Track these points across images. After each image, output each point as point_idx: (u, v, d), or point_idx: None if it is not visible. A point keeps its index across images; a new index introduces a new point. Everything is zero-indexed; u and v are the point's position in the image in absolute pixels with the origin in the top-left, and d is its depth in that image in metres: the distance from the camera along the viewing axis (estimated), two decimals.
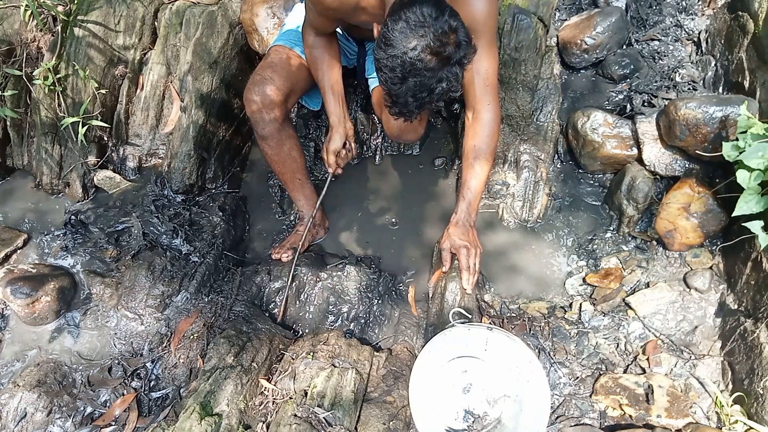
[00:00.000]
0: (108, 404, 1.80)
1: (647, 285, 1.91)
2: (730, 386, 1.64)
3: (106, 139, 2.32)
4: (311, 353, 1.73)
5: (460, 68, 1.34)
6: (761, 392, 1.50)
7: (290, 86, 1.87)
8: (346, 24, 1.91)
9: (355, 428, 1.56)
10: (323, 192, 1.99)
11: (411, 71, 1.30)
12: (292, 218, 2.30)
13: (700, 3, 2.31)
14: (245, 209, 2.35)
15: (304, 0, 1.75)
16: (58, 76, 2.16)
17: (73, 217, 2.19)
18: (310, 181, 2.13)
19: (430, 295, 1.94)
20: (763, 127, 1.60)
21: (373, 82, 2.03)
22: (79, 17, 2.19)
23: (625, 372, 1.74)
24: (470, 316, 1.75)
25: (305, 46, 1.84)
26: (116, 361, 1.88)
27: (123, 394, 1.80)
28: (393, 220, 2.26)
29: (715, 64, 2.15)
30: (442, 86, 1.34)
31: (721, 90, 2.10)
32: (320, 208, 2.15)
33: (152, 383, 1.84)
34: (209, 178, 2.31)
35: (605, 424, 1.62)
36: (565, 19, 2.42)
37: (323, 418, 1.53)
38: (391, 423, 1.58)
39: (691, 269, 1.90)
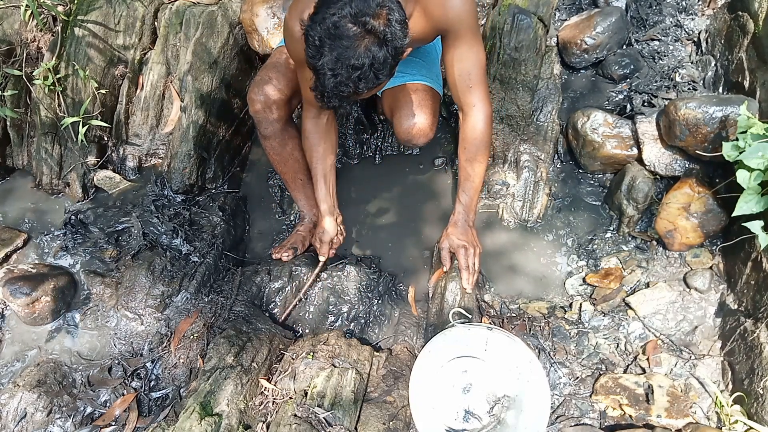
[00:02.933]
0: (108, 404, 1.80)
1: (647, 285, 1.91)
2: (730, 386, 1.64)
3: (106, 139, 2.32)
4: (311, 353, 1.73)
5: (386, 48, 1.26)
6: (761, 392, 1.50)
7: (294, 86, 1.86)
8: None
9: (355, 428, 1.56)
10: (314, 275, 2.00)
11: (327, 38, 1.24)
12: (292, 218, 2.30)
13: (700, 3, 2.31)
14: (245, 209, 2.35)
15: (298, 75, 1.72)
16: (58, 76, 2.16)
17: (73, 217, 2.19)
18: (311, 181, 2.13)
19: (430, 295, 1.94)
20: (763, 127, 1.60)
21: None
22: (79, 17, 2.19)
23: (625, 372, 1.74)
24: (470, 316, 1.75)
25: (302, 128, 1.83)
26: (116, 361, 1.88)
27: (123, 394, 1.80)
28: (393, 220, 2.26)
29: (715, 64, 2.15)
30: (362, 62, 1.24)
31: (721, 90, 2.10)
32: (316, 206, 2.15)
33: (152, 383, 1.84)
34: (209, 178, 2.31)
35: (605, 424, 1.62)
36: (565, 19, 2.42)
37: (323, 418, 1.53)
38: (391, 423, 1.58)
39: (691, 269, 1.90)
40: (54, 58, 2.16)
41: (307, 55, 1.30)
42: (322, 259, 1.98)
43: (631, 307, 1.86)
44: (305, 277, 2.03)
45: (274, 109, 1.85)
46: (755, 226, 1.57)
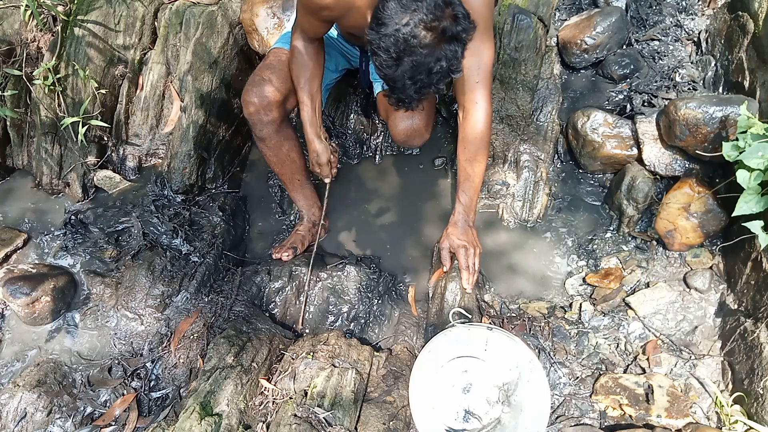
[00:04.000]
0: (108, 404, 1.80)
1: (647, 285, 1.91)
2: (730, 386, 1.64)
3: (105, 139, 2.32)
4: (311, 353, 1.73)
5: (459, 44, 1.27)
6: (761, 392, 1.50)
7: (289, 88, 1.85)
8: (341, 28, 1.89)
9: (355, 428, 1.56)
10: (326, 199, 2.01)
11: (405, 50, 1.24)
12: (292, 218, 2.30)
13: (700, 3, 2.31)
14: (245, 209, 2.35)
15: (296, 0, 1.70)
16: (58, 76, 2.16)
17: (73, 217, 2.19)
18: (310, 181, 2.13)
19: (430, 295, 1.94)
20: (763, 127, 1.60)
21: (378, 86, 2.01)
22: (79, 17, 2.19)
23: (625, 372, 1.74)
24: (470, 316, 1.75)
25: (291, 49, 1.77)
26: (116, 361, 1.88)
27: (123, 394, 1.80)
28: (393, 220, 2.26)
29: (715, 64, 2.15)
30: (441, 65, 1.27)
31: (721, 90, 2.10)
32: (320, 207, 2.15)
33: (152, 383, 1.84)
34: (209, 178, 2.31)
35: (605, 424, 1.63)
36: (565, 19, 2.42)
37: (323, 418, 1.53)
38: (391, 423, 1.58)
39: (691, 269, 1.90)
40: (54, 58, 2.16)
41: (381, 66, 1.30)
42: (327, 180, 1.96)
43: (631, 307, 1.86)
44: (305, 277, 2.03)
45: (268, 111, 1.83)
46: (755, 226, 1.57)
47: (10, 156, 2.37)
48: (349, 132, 2.37)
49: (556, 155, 2.25)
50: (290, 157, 1.99)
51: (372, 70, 2.00)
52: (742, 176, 1.58)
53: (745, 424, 1.51)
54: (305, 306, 2.00)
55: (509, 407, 1.57)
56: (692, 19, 2.29)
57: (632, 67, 2.24)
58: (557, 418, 1.64)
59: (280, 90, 1.83)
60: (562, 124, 2.23)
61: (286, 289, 2.03)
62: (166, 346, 1.89)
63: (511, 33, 2.08)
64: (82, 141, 2.16)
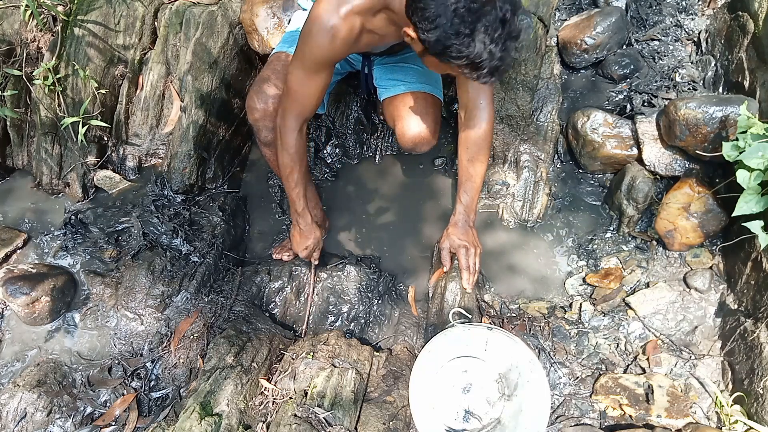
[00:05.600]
0: (108, 404, 1.80)
1: (647, 285, 1.91)
2: (730, 386, 1.64)
3: (105, 139, 2.32)
4: (311, 353, 1.73)
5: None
6: (761, 392, 1.50)
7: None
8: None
9: (355, 428, 1.56)
10: (312, 284, 2.03)
11: (473, 18, 1.17)
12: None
13: (700, 3, 2.31)
14: (245, 209, 2.35)
15: (288, 73, 1.58)
16: (58, 76, 2.16)
17: (72, 217, 2.19)
18: (312, 183, 2.13)
19: (430, 295, 1.94)
20: (763, 127, 1.60)
21: (383, 93, 1.97)
22: (79, 17, 2.19)
23: (625, 372, 1.74)
24: (470, 316, 1.75)
25: (280, 141, 1.69)
26: (116, 361, 1.88)
27: (123, 394, 1.80)
28: (393, 220, 2.26)
29: (715, 64, 2.15)
30: (506, 9, 1.21)
31: (721, 90, 2.10)
32: (321, 208, 2.15)
33: (152, 383, 1.84)
34: (209, 178, 2.31)
35: (605, 424, 1.63)
36: (565, 19, 2.42)
37: (323, 418, 1.53)
38: (391, 423, 1.58)
39: (691, 269, 1.90)
40: (54, 58, 2.15)
41: (458, 55, 1.22)
42: (316, 262, 2.01)
43: (631, 307, 1.86)
44: (305, 278, 2.03)
45: (274, 117, 1.80)
46: (755, 226, 1.57)
47: (10, 156, 2.36)
48: (349, 132, 2.37)
49: (556, 155, 2.25)
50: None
51: (375, 75, 1.99)
52: (742, 176, 1.58)
53: (745, 424, 1.51)
54: (309, 310, 2.01)
55: (509, 399, 1.56)
56: (692, 19, 2.29)
57: (632, 67, 2.24)
58: (557, 418, 1.64)
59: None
60: (562, 124, 2.23)
61: (286, 289, 2.03)
62: (166, 346, 1.89)
63: None
64: (82, 141, 2.16)
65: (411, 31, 1.29)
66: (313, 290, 2.03)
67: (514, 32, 1.25)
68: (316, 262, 2.01)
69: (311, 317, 2.02)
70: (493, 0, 1.20)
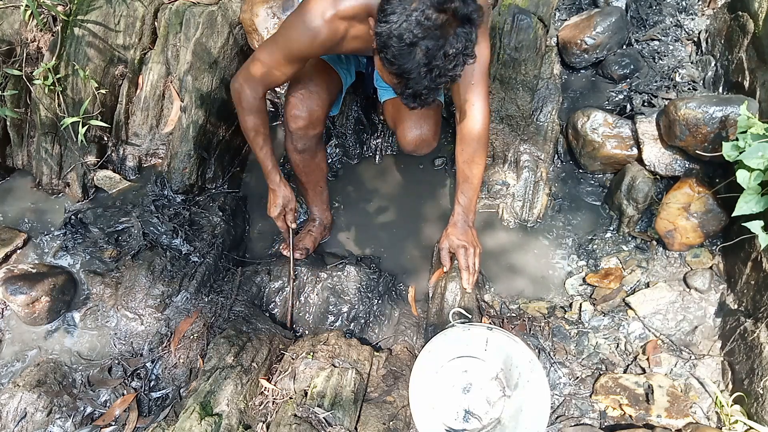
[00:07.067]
0: (108, 404, 1.80)
1: (647, 285, 1.91)
2: (730, 386, 1.64)
3: (105, 139, 2.32)
4: (311, 353, 1.73)
5: (471, 26, 1.24)
6: (761, 392, 1.50)
7: (330, 99, 1.84)
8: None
9: (355, 428, 1.56)
10: (291, 300, 2.02)
11: (419, 33, 1.19)
12: None
13: (700, 3, 2.31)
14: (245, 209, 2.35)
15: (262, 47, 1.61)
16: (58, 76, 2.16)
17: (72, 217, 2.19)
18: (327, 186, 2.15)
19: (430, 295, 1.94)
20: (763, 127, 1.60)
21: (384, 95, 1.98)
22: (79, 17, 2.19)
23: (625, 372, 1.74)
24: (470, 316, 1.75)
25: (239, 104, 1.70)
26: (116, 361, 1.88)
27: (123, 394, 1.80)
28: (393, 220, 2.26)
29: (715, 64, 2.15)
30: (456, 48, 1.23)
31: (721, 90, 2.10)
32: (329, 210, 2.16)
33: (152, 383, 1.84)
34: (209, 178, 2.31)
35: (605, 424, 1.63)
36: (565, 19, 2.42)
37: (323, 418, 1.53)
38: (391, 423, 1.58)
39: (691, 269, 1.90)
40: (54, 58, 2.15)
41: (393, 59, 1.25)
42: (294, 226, 1.98)
43: (631, 307, 1.86)
44: (305, 278, 2.03)
45: (317, 125, 1.83)
46: (755, 226, 1.57)
47: (10, 156, 2.36)
48: (349, 132, 2.37)
49: (556, 155, 2.25)
50: (320, 166, 2.02)
51: (376, 76, 1.99)
52: (742, 176, 1.58)
53: (745, 424, 1.51)
54: (292, 306, 2.01)
55: (509, 399, 1.56)
56: (692, 19, 2.29)
57: (632, 67, 2.24)
58: (557, 418, 1.64)
59: (325, 102, 1.82)
60: (562, 124, 2.23)
61: (286, 289, 2.03)
62: (166, 346, 1.89)
63: (511, 33, 2.07)
64: (82, 141, 2.16)
65: (372, 23, 1.31)
66: (294, 274, 2.00)
67: (451, 71, 1.27)
68: (293, 225, 1.98)
69: (296, 307, 2.01)
70: (448, 32, 1.22)
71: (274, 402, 1.64)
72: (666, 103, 2.05)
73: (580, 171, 2.22)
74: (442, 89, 1.34)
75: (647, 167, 2.01)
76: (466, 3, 1.23)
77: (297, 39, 1.51)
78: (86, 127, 2.15)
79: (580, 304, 1.91)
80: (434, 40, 1.21)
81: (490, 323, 1.78)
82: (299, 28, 1.49)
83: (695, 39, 2.28)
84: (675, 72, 2.21)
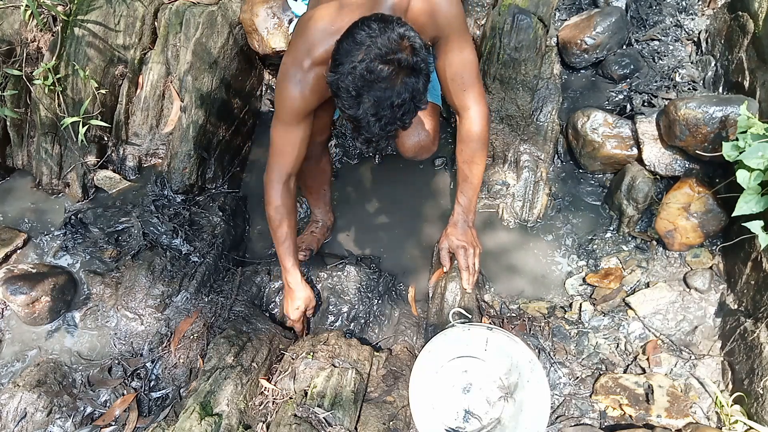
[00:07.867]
0: (108, 404, 1.80)
1: (647, 285, 1.91)
2: (730, 386, 1.64)
3: (106, 139, 2.32)
4: (311, 353, 1.73)
5: (419, 76, 1.26)
6: (761, 392, 1.50)
7: (334, 105, 1.83)
8: None
9: (355, 428, 1.56)
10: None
11: (363, 86, 1.22)
12: None
13: (700, 3, 2.31)
14: (245, 209, 2.35)
15: (271, 129, 1.61)
16: (58, 76, 2.16)
17: (72, 217, 2.19)
18: (331, 189, 2.15)
19: (430, 295, 1.94)
20: (763, 127, 1.60)
21: None
22: (79, 17, 2.19)
23: (625, 372, 1.74)
24: (470, 316, 1.75)
25: (265, 192, 1.69)
26: (116, 361, 1.88)
27: (123, 394, 1.80)
28: (393, 220, 2.26)
29: (715, 64, 2.15)
30: (402, 98, 1.24)
31: (721, 90, 2.10)
32: (330, 210, 2.16)
33: (152, 383, 1.84)
34: (209, 178, 2.31)
35: (605, 424, 1.63)
36: (565, 19, 2.42)
37: (323, 418, 1.53)
38: (391, 423, 1.58)
39: (691, 269, 1.90)
40: (54, 58, 2.15)
41: (343, 108, 1.29)
42: (311, 316, 1.96)
43: (631, 307, 1.86)
44: (305, 277, 2.02)
45: (324, 132, 1.85)
46: (755, 226, 1.57)
47: (10, 156, 2.36)
48: (349, 132, 2.37)
49: (556, 155, 2.25)
50: (325, 170, 2.03)
51: None
52: (742, 176, 1.58)
53: (745, 424, 1.51)
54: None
55: (509, 399, 1.56)
56: (692, 19, 2.29)
57: (632, 67, 2.24)
58: (557, 418, 1.64)
59: (330, 112, 1.82)
60: (562, 124, 2.23)
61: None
62: (166, 346, 1.89)
63: (511, 33, 2.07)
64: (82, 141, 2.16)
65: (325, 71, 1.34)
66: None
67: (400, 120, 1.28)
68: (311, 316, 1.97)
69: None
70: (395, 83, 1.23)
71: (274, 402, 1.64)
72: (666, 103, 2.05)
73: (580, 171, 2.22)
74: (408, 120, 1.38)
75: (647, 167, 2.01)
76: (414, 52, 1.24)
77: (290, 98, 1.52)
78: (86, 127, 2.15)
79: (580, 304, 1.91)
80: (380, 91, 1.23)
81: (490, 323, 1.78)
82: (288, 88, 1.52)
83: (695, 39, 2.28)
84: (675, 72, 2.21)
